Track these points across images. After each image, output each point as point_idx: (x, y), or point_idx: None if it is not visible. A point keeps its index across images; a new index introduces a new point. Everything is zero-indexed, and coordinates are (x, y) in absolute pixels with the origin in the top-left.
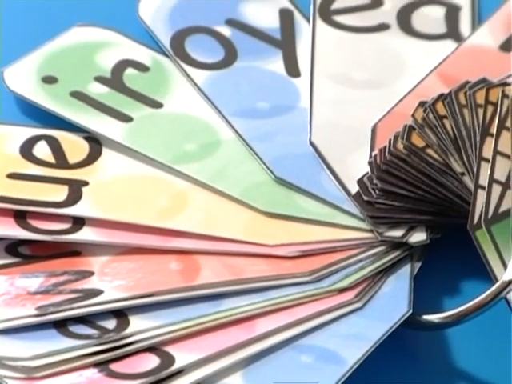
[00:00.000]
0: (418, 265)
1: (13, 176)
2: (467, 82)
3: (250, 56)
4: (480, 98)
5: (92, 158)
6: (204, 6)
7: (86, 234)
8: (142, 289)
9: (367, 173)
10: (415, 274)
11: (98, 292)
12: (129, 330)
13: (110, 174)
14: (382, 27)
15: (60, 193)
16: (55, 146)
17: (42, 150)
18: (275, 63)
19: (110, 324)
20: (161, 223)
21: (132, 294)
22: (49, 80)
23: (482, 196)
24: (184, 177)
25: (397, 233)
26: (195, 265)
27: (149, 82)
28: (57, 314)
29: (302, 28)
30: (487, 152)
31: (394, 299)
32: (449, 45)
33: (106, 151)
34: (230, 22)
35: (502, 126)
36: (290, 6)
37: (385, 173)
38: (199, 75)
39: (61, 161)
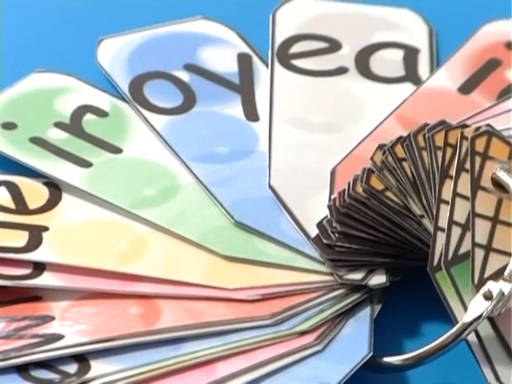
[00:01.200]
0: (378, 307)
1: None
2: (426, 125)
3: (208, 101)
4: (439, 140)
5: (52, 203)
6: (162, 51)
7: (46, 279)
8: (102, 333)
9: (327, 216)
10: (375, 316)
11: (59, 337)
12: (90, 375)
13: (70, 219)
14: (341, 71)
15: (20, 238)
16: (15, 191)
17: (2, 196)
18: (234, 108)
19: (72, 368)
20: (121, 268)
21: (93, 339)
22: (8, 126)
23: (441, 238)
24: (144, 221)
25: (356, 276)
26: (155, 309)
27: (108, 127)
28: (18, 358)
29: (261, 72)
30: (446, 194)
31: (354, 342)
32: (407, 87)
33: (65, 196)
34: (189, 67)
35: (461, 168)
36: (248, 50)
37: (344, 216)
38: (158, 120)
39: (21, 206)
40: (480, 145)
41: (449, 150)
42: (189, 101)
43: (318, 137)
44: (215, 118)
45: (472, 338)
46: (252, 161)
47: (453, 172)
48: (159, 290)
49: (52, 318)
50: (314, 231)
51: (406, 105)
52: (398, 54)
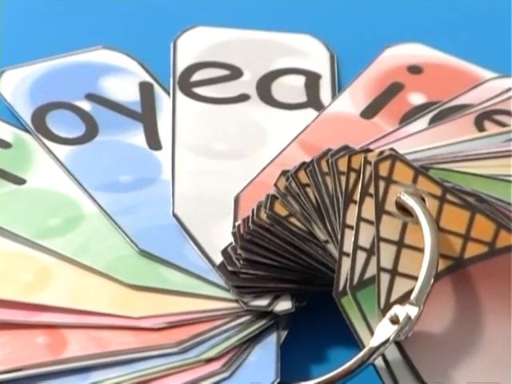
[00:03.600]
0: (284, 333)
1: None
2: (329, 150)
3: (110, 130)
4: (342, 165)
5: None
6: (64, 81)
7: None
8: (10, 363)
9: (231, 243)
10: (282, 342)
11: None
12: None
13: None
14: (242, 98)
15: None
16: None
17: None
18: (136, 136)
19: None
20: (26, 298)
21: (1, 369)
22: None
23: (346, 263)
24: (48, 251)
25: (262, 302)
26: (62, 339)
27: (11, 158)
28: None
29: (163, 100)
30: (351, 219)
31: (261, 368)
32: (310, 113)
33: None
34: (90, 97)
35: (365, 193)
36: (149, 78)
37: (248, 242)
38: (61, 150)
39: None
40: (384, 169)
41: (352, 175)
42: (91, 130)
43: (222, 164)
44: (118, 146)
45: (379, 362)
46: (155, 189)
47: (357, 197)
48: (65, 320)
49: None
50: (218, 258)
51: (308, 130)
52: (299, 80)
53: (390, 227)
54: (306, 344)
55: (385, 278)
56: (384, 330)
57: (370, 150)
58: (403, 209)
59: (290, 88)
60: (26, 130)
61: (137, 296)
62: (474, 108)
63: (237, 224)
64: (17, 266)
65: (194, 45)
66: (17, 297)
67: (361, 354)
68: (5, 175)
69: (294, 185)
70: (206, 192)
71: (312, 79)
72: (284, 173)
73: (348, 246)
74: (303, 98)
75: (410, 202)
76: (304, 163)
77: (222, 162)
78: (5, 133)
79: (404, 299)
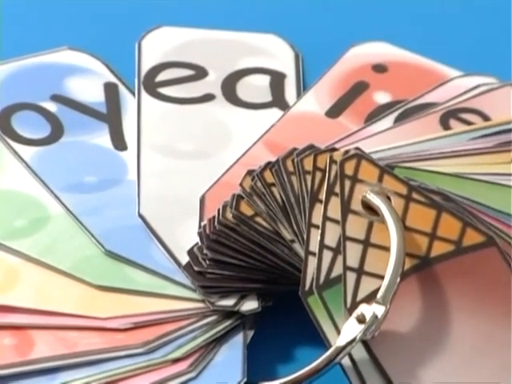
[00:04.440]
0: (250, 333)
1: None
2: (294, 149)
3: (76, 131)
4: (308, 164)
5: None
6: (29, 83)
7: None
8: None
9: (197, 243)
10: (248, 342)
11: None
12: None
13: None
14: (207, 98)
15: None
16: None
17: None
18: (101, 137)
19: None
20: None
21: None
22: None
23: (312, 262)
24: (15, 252)
25: (228, 302)
26: (29, 340)
27: None
28: None
29: (128, 101)
30: (317, 218)
31: (227, 368)
32: (275, 113)
33: None
34: (56, 98)
35: (330, 192)
36: (114, 79)
37: (214, 242)
38: (27, 151)
39: None
40: (349, 168)
41: (318, 174)
42: (56, 131)
43: (187, 164)
44: (83, 147)
45: (346, 361)
46: (121, 190)
47: (322, 196)
48: (32, 321)
49: None
50: (184, 259)
51: (273, 130)
52: (264, 80)
53: (356, 226)
54: (273, 344)
55: (351, 277)
56: (350, 329)
57: (335, 150)
58: (369, 208)
59: (255, 88)
60: None
61: (103, 297)
62: (440, 106)
63: (203, 224)
64: None
65: (159, 45)
66: None
67: (327, 353)
68: None
69: (259, 184)
70: (172, 192)
71: (277, 79)
72: (249, 172)
73: (314, 246)
74: (268, 98)
75: (376, 201)
76: (269, 163)
77: (188, 162)
78: None
79: (370, 298)
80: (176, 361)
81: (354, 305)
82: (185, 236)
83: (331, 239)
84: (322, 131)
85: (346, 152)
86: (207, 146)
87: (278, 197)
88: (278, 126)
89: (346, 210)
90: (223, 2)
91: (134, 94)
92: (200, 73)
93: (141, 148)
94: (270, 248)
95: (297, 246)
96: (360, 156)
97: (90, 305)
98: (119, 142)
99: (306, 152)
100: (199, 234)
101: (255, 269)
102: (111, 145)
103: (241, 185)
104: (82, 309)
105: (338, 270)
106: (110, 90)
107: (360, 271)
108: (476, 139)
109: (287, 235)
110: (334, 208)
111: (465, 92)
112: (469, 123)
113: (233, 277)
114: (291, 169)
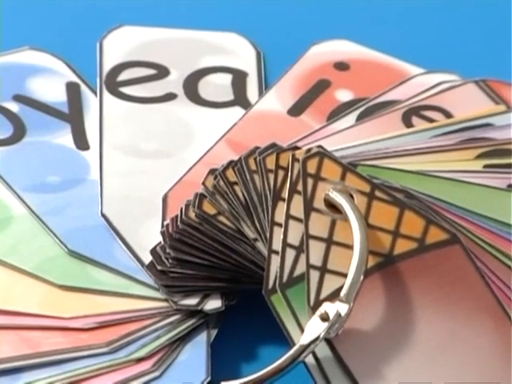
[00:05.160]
0: (214, 332)
1: None
2: (257, 148)
3: (38, 131)
4: (270, 163)
5: None
6: None
7: None
8: None
9: (160, 242)
10: (212, 340)
11: None
12: None
13: None
14: (169, 97)
15: None
16: None
17: None
18: (64, 137)
19: None
20: None
21: None
22: None
23: (275, 261)
24: None
25: (191, 301)
26: None
27: None
28: None
29: (90, 101)
30: (279, 217)
31: (191, 367)
32: (237, 111)
33: None
34: (18, 98)
35: (293, 190)
36: (76, 79)
37: (177, 241)
38: None
39: None
40: (312, 166)
41: (280, 173)
42: (19, 131)
43: (150, 163)
44: (46, 147)
45: (310, 359)
46: (84, 189)
47: (285, 194)
48: None
49: None
50: (147, 258)
51: (235, 129)
52: (226, 79)
53: (319, 224)
54: (237, 342)
55: (314, 276)
56: (314, 328)
57: (297, 148)
58: (332, 206)
59: (217, 86)
60: None
61: (67, 296)
62: (402, 104)
63: (165, 223)
64: None
65: (121, 44)
66: None
67: (291, 351)
68: None
69: (222, 183)
70: (135, 192)
71: (239, 77)
72: (212, 171)
73: (277, 244)
74: (230, 97)
75: (339, 199)
76: (232, 161)
77: (150, 161)
78: None
79: (334, 296)
80: (140, 360)
81: (318, 303)
82: (148, 235)
83: (294, 237)
84: (284, 129)
85: (309, 150)
86: (169, 145)
87: (240, 195)
88: (240, 125)
89: (308, 208)
90: (185, 1)
91: (96, 94)
92: (162, 72)
93: (103, 147)
94: (233, 247)
95: (260, 245)
96: (322, 154)
97: (54, 305)
98: (81, 142)
99: (268, 151)
100: (162, 233)
101: (218, 268)
102: (73, 144)
103: (203, 184)
104: (46, 309)
105: (301, 268)
106: (72, 90)
107: (323, 269)
108: (438, 136)
109: (250, 234)
110: (297, 206)
111: (427, 89)
112: (431, 120)
113: (196, 276)
114: (254, 167)
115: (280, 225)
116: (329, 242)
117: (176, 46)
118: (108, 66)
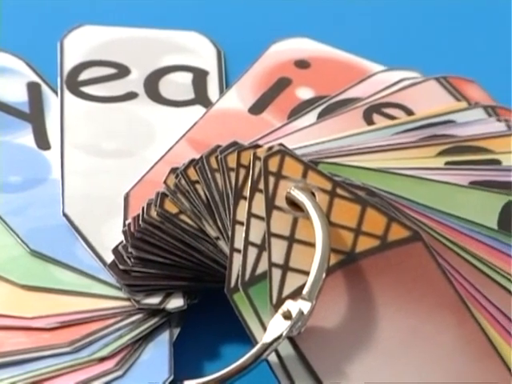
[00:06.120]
0: (176, 331)
1: None
2: (218, 147)
3: None
4: (232, 161)
5: None
6: None
7: None
8: None
9: (122, 241)
10: (175, 339)
11: None
12: None
13: None
14: (130, 96)
15: None
16: None
17: None
18: (25, 137)
19: None
20: None
21: None
22: None
23: (238, 259)
24: None
25: (154, 300)
26: None
27: None
28: None
29: (51, 100)
30: (241, 215)
31: (154, 366)
32: (198, 110)
33: None
34: None
35: (254, 189)
36: (37, 79)
37: (139, 241)
38: None
39: None
40: (273, 164)
41: (242, 171)
42: None
43: (111, 163)
44: (7, 147)
45: (273, 358)
46: (45, 189)
47: (247, 193)
48: None
49: None
50: (110, 257)
51: (196, 128)
52: (187, 77)
53: (281, 223)
54: (199, 341)
55: (276, 274)
56: (277, 326)
57: (258, 146)
58: (294, 204)
59: (178, 85)
60: None
61: (29, 296)
62: (363, 101)
63: (127, 222)
64: None
65: (81, 44)
66: None
67: (254, 350)
68: None
69: (183, 182)
70: (96, 191)
71: (199, 76)
72: (173, 170)
73: (239, 243)
74: (191, 95)
75: (301, 197)
76: (193, 160)
77: (112, 160)
78: None
79: (296, 294)
80: (102, 360)
81: (280, 301)
82: (110, 234)
83: (256, 236)
84: (245, 128)
85: (270, 148)
86: (131, 144)
87: (202, 194)
88: (201, 124)
89: (270, 206)
90: (145, 0)
91: (56, 94)
92: (122, 71)
93: (64, 147)
94: (195, 245)
95: (222, 243)
96: (284, 152)
97: (16, 304)
98: (43, 142)
99: (229, 149)
100: (124, 232)
101: (180, 266)
102: (35, 144)
103: (165, 182)
104: (8, 308)
105: (263, 266)
106: (33, 90)
107: (285, 267)
108: (400, 134)
109: (212, 232)
110: (259, 205)
111: (388, 86)
112: (392, 118)
113: (158, 275)
114: (215, 166)
115: (242, 223)
116: (291, 240)
117: (136, 45)
118: (69, 65)
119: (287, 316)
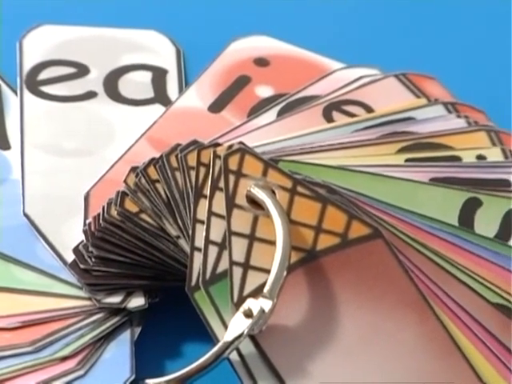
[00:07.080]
0: (138, 329)
1: None
2: (178, 145)
3: None
4: (192, 160)
5: None
6: None
7: None
8: None
9: (83, 241)
10: (136, 338)
11: None
12: None
13: None
14: (90, 95)
15: None
16: None
17: None
18: None
19: None
20: None
21: None
22: None
23: (198, 258)
24: None
25: (115, 299)
26: None
27: None
28: None
29: (10, 100)
30: (202, 214)
31: (115, 365)
32: (157, 109)
33: None
34: None
35: (215, 187)
36: None
37: (100, 240)
38: None
39: None
40: (233, 163)
41: (202, 170)
42: None
43: (71, 162)
44: None
45: (234, 356)
46: (5, 189)
47: (207, 191)
48: None
49: None
50: (70, 257)
51: (156, 126)
52: (146, 76)
53: (241, 221)
54: (161, 340)
55: (237, 272)
56: (238, 324)
57: (218, 144)
58: (254, 202)
59: (137, 84)
60: None
61: None
62: (322, 99)
63: (87, 222)
64: None
65: (40, 43)
66: None
67: (215, 348)
68: None
69: (143, 181)
70: (57, 190)
71: (159, 75)
72: (133, 169)
73: (199, 241)
74: (150, 94)
75: (261, 195)
76: (153, 159)
77: (72, 160)
78: None
79: (257, 292)
80: (64, 359)
81: (241, 299)
82: (70, 234)
83: (216, 234)
84: (205, 126)
85: (230, 147)
86: (90, 143)
87: (162, 193)
88: (161, 122)
89: (230, 204)
90: None
91: (16, 93)
92: (82, 70)
93: (24, 147)
94: (156, 244)
95: (182, 242)
96: (243, 150)
97: None
98: (2, 142)
99: (189, 148)
100: (84, 231)
101: (141, 265)
102: None
103: (125, 182)
104: None
105: (224, 264)
106: None
107: (246, 266)
108: (359, 131)
109: (172, 231)
110: (219, 203)
111: (347, 84)
112: (352, 115)
113: (119, 274)
114: (175, 165)
115: (202, 222)
116: (251, 238)
117: (95, 44)
118: (28, 65)
119: (248, 314)
